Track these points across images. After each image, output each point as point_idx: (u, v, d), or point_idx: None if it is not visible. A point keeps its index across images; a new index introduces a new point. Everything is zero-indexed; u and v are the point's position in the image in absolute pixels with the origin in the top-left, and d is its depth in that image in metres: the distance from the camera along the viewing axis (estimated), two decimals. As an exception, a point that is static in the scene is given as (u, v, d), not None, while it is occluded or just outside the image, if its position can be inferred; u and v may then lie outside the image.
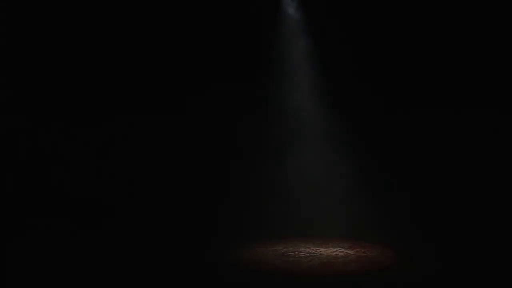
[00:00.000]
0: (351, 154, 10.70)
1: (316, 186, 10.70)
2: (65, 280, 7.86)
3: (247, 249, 9.51)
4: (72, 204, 9.93)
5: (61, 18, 10.00)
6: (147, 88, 10.59)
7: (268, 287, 8.00)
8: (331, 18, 10.53)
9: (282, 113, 10.97)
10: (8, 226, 9.21)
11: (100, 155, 10.42)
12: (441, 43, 10.34)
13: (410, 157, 10.57)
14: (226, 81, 10.63)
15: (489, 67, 10.17)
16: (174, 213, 10.27)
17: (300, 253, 9.31)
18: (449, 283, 7.79)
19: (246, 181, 10.73)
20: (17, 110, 9.79)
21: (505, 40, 10.07)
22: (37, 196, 9.75)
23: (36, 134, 9.97)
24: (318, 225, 10.31)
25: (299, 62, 11.00)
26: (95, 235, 9.38)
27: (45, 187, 9.91)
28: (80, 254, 8.68)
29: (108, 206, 10.08)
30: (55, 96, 10.09)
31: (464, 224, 9.77)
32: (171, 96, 10.63)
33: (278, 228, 10.30)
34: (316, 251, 9.37)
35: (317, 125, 10.96)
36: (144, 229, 9.72)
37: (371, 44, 10.56)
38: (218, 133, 10.73)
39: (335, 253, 9.30)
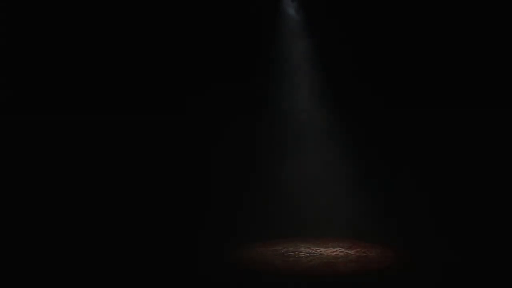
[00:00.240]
0: (351, 153, 10.70)
1: (316, 186, 10.70)
2: (65, 280, 7.89)
3: (247, 249, 9.51)
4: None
5: (60, 19, 10.00)
6: (146, 88, 10.59)
7: (267, 287, 8.01)
8: (331, 18, 10.53)
9: (282, 113, 10.98)
10: None
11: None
12: (441, 42, 10.33)
13: (410, 157, 10.57)
14: (226, 81, 10.64)
15: (488, 67, 10.16)
16: (174, 213, 10.28)
17: (300, 253, 9.31)
18: (449, 283, 7.80)
19: (246, 181, 10.73)
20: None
21: (504, 40, 10.07)
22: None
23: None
24: (318, 225, 10.32)
25: (299, 62, 11.00)
26: (94, 234, 9.40)
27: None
28: (79, 254, 8.70)
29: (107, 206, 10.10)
30: (55, 94, 10.11)
31: (464, 224, 9.78)
32: (171, 96, 10.62)
33: (278, 228, 10.31)
34: (316, 251, 9.37)
35: (317, 125, 10.96)
36: (144, 229, 9.73)
37: (371, 44, 10.56)
38: (218, 133, 10.73)
39: (335, 253, 9.31)
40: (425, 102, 10.52)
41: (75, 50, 10.17)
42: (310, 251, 9.39)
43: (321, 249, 9.49)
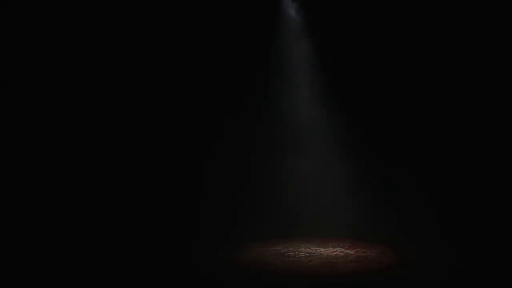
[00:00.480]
0: (351, 153, 10.71)
1: (316, 186, 10.70)
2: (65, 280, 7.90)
3: (247, 249, 9.51)
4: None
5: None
6: (146, 88, 10.60)
7: (267, 287, 8.01)
8: (331, 19, 10.53)
9: (282, 113, 10.98)
10: None
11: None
12: (441, 42, 10.33)
13: (410, 156, 10.58)
14: (226, 81, 10.65)
15: (488, 67, 10.18)
16: (174, 213, 10.28)
17: (300, 253, 9.31)
18: (448, 283, 7.80)
19: (246, 181, 10.74)
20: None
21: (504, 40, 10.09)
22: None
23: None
24: (318, 225, 10.32)
25: (299, 62, 11.01)
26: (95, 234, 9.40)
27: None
28: (79, 255, 8.70)
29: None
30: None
31: (464, 224, 9.79)
32: (171, 95, 10.63)
33: (278, 228, 10.31)
34: (316, 251, 9.37)
35: (317, 124, 10.96)
36: (144, 229, 9.73)
37: (371, 45, 10.56)
38: (218, 133, 10.74)
39: (335, 253, 9.31)
40: (425, 101, 10.54)
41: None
42: (310, 251, 9.39)
43: (321, 249, 9.49)
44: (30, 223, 9.37)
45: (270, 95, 10.88)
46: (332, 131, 10.84)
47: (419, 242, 9.43)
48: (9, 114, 9.79)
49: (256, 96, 10.74)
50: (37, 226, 9.36)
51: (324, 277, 8.26)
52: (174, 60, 10.58)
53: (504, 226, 9.47)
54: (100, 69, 10.23)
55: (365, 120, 10.77)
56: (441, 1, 10.22)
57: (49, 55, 10.00)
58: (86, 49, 10.18)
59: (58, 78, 10.06)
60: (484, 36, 10.09)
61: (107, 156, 10.33)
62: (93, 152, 10.29)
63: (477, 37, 10.14)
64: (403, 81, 10.54)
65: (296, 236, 10.10)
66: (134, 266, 8.36)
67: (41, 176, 9.81)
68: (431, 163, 10.50)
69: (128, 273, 8.12)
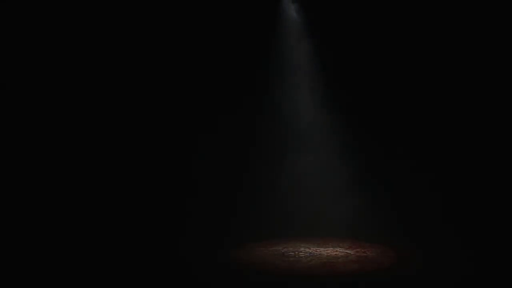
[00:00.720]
0: (351, 153, 10.71)
1: (316, 186, 10.70)
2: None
3: (247, 249, 9.51)
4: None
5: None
6: (147, 88, 10.60)
7: (267, 287, 8.01)
8: (331, 19, 10.53)
9: (282, 113, 10.97)
10: None
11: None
12: (441, 42, 10.33)
13: (410, 156, 10.57)
14: (226, 81, 10.65)
15: (488, 65, 10.18)
16: (174, 212, 10.28)
17: (300, 253, 9.31)
18: (449, 283, 7.80)
19: (246, 181, 10.73)
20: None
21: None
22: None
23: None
24: (318, 225, 10.32)
25: (299, 63, 11.01)
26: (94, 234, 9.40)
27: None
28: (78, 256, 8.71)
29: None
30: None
31: (464, 223, 9.79)
32: (171, 95, 10.63)
33: (278, 228, 10.31)
34: (316, 251, 9.37)
35: (317, 125, 10.96)
36: (144, 229, 9.73)
37: (371, 45, 10.56)
38: (218, 133, 10.74)
39: (335, 253, 9.31)
40: (426, 101, 10.54)
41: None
42: (310, 251, 9.39)
43: (321, 249, 9.49)
44: (25, 220, 9.37)
45: (270, 95, 10.88)
46: (332, 131, 10.84)
47: (419, 242, 9.43)
48: (9, 114, 9.79)
49: (256, 96, 10.74)
50: (32, 223, 9.37)
51: (324, 277, 8.26)
52: (174, 60, 10.58)
53: (504, 226, 9.47)
54: (100, 68, 10.23)
55: (365, 120, 10.77)
56: (441, 1, 10.22)
57: (48, 55, 10.00)
58: (85, 48, 10.19)
59: (54, 78, 10.06)
60: (483, 36, 10.09)
61: (110, 154, 10.35)
62: (94, 152, 10.29)
63: (477, 37, 10.14)
64: (403, 81, 10.53)
65: (296, 236, 10.10)
66: (133, 266, 8.36)
67: (35, 174, 9.81)
68: (431, 163, 10.49)
69: (127, 274, 8.12)
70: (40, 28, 9.87)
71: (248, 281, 8.12)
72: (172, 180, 10.60)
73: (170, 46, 10.50)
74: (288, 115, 10.98)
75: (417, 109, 10.57)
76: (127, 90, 10.44)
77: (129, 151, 10.49)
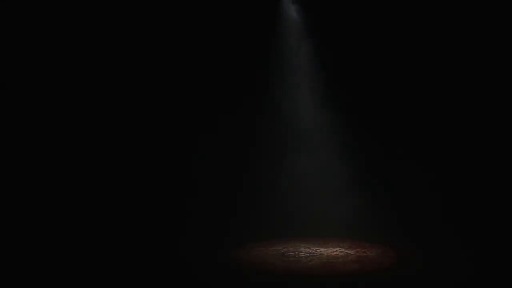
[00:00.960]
0: (351, 153, 10.71)
1: (316, 186, 10.70)
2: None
3: (247, 249, 9.51)
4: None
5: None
6: (147, 88, 10.60)
7: (267, 287, 8.01)
8: (332, 19, 10.53)
9: (282, 113, 10.98)
10: None
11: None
12: (441, 43, 10.33)
13: (410, 156, 10.57)
14: (226, 81, 10.65)
15: (488, 65, 10.18)
16: (174, 212, 10.28)
17: (300, 253, 9.31)
18: (449, 283, 7.80)
19: (246, 181, 10.73)
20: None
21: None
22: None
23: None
24: (318, 225, 10.31)
25: (299, 62, 11.01)
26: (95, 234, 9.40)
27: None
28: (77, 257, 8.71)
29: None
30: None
31: (464, 223, 9.79)
32: (170, 96, 10.63)
33: (278, 228, 10.31)
34: (316, 251, 9.37)
35: (317, 125, 10.96)
36: (144, 229, 9.73)
37: (371, 45, 10.56)
38: (219, 133, 10.74)
39: (335, 253, 9.30)
40: (426, 101, 10.54)
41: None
42: (310, 251, 9.39)
43: (321, 249, 9.49)
44: (25, 220, 9.37)
45: (270, 95, 10.88)
46: (332, 131, 10.84)
47: (419, 242, 9.43)
48: (9, 114, 9.79)
49: (256, 96, 10.74)
50: (32, 223, 9.37)
51: (324, 277, 8.25)
52: (175, 60, 10.58)
53: (504, 226, 9.47)
54: (100, 68, 10.24)
55: (365, 120, 10.77)
56: (441, 1, 10.22)
57: (48, 55, 10.00)
58: (85, 48, 10.19)
59: (54, 78, 10.07)
60: (483, 36, 10.09)
61: (110, 154, 10.35)
62: (94, 152, 10.29)
63: (477, 37, 10.14)
64: (403, 81, 10.53)
65: (296, 236, 10.10)
66: (133, 266, 8.35)
67: (35, 174, 9.81)
68: (431, 163, 10.49)
69: (127, 274, 8.12)
70: (40, 28, 9.87)
71: (248, 281, 8.12)
72: (172, 180, 10.60)
73: (170, 46, 10.50)
74: (288, 115, 10.98)
75: (417, 109, 10.57)
76: (127, 90, 10.43)
77: (129, 151, 10.49)
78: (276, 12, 10.85)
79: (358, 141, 10.72)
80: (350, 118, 10.75)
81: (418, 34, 10.35)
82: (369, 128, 10.77)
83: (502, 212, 9.78)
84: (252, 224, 10.22)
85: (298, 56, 11.00)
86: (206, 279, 8.04)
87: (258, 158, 10.87)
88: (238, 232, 9.94)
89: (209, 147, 10.67)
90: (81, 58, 10.18)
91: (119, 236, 9.40)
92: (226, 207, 10.55)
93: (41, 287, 7.75)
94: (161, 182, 10.53)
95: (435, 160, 10.50)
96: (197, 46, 10.56)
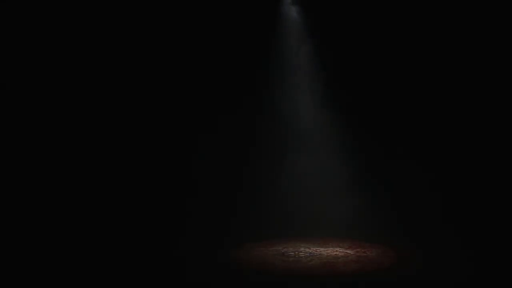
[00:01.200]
0: (351, 153, 10.71)
1: (316, 186, 10.70)
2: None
3: (247, 249, 9.51)
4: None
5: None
6: (148, 89, 10.60)
7: (267, 287, 8.01)
8: (332, 19, 10.54)
9: (282, 113, 10.98)
10: None
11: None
12: (441, 43, 10.33)
13: (410, 156, 10.57)
14: (226, 81, 10.65)
15: (488, 65, 10.18)
16: (174, 212, 10.28)
17: (300, 253, 9.31)
18: (449, 283, 7.80)
19: (246, 182, 10.73)
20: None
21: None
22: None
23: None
24: (318, 225, 10.31)
25: (299, 63, 11.01)
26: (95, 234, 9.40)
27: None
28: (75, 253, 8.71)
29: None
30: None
31: (464, 223, 9.79)
32: (170, 97, 10.63)
33: (278, 228, 10.31)
34: (316, 251, 9.37)
35: (317, 125, 10.97)
36: (144, 229, 9.73)
37: (371, 45, 10.57)
38: (219, 133, 10.74)
39: (335, 253, 9.30)
40: (426, 101, 10.54)
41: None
42: (310, 251, 9.39)
43: (321, 249, 9.49)
44: (25, 220, 9.37)
45: (270, 95, 10.88)
46: (332, 131, 10.84)
47: (419, 242, 9.43)
48: (9, 114, 9.79)
49: (256, 96, 10.74)
50: (31, 223, 9.37)
51: (324, 277, 8.26)
52: (175, 60, 10.58)
53: (504, 226, 9.47)
54: (100, 68, 10.24)
55: (365, 120, 10.77)
56: (441, 2, 10.22)
57: (48, 55, 10.00)
58: (85, 48, 10.19)
59: (54, 78, 10.07)
60: (483, 36, 10.09)
61: (110, 154, 10.35)
62: (94, 152, 10.30)
63: (477, 37, 10.14)
64: (403, 81, 10.53)
65: (296, 236, 10.10)
66: (133, 266, 8.35)
67: (35, 174, 9.81)
68: (431, 163, 10.49)
69: (127, 274, 8.12)
70: (40, 28, 9.87)
71: (248, 281, 8.12)
72: (172, 180, 10.60)
73: (171, 46, 10.50)
74: (288, 115, 10.99)
75: (417, 109, 10.58)
76: (127, 90, 10.44)
77: (129, 151, 10.50)
78: (276, 12, 10.85)
79: (358, 141, 10.72)
80: (350, 118, 10.75)
81: (418, 34, 10.35)
82: (369, 128, 10.77)
83: (502, 212, 9.78)
84: (252, 224, 10.22)
85: (298, 56, 11.01)
86: (206, 279, 8.04)
87: (258, 158, 10.87)
88: (238, 232, 9.94)
89: (209, 147, 10.67)
90: (81, 58, 10.18)
91: (119, 236, 9.40)
92: (226, 207, 10.55)
93: (41, 287, 7.74)
94: (161, 182, 10.53)
95: (435, 160, 10.51)
96: (197, 46, 10.57)
